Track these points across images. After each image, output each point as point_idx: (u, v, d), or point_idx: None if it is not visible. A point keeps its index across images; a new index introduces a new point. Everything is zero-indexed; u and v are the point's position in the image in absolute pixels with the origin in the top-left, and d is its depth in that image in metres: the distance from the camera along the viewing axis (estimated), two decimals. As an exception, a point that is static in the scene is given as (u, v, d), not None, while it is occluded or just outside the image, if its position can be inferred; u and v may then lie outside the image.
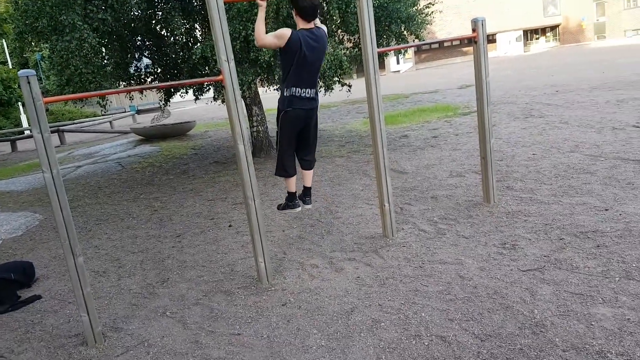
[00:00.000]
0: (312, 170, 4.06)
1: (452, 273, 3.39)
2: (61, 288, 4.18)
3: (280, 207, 4.17)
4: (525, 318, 2.72)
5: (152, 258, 4.59)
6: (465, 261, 3.54)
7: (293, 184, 3.97)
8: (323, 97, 9.63)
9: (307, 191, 4.09)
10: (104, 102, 7.95)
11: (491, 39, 42.02)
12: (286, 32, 3.40)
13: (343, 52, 7.18)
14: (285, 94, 3.59)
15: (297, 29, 3.51)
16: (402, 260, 3.72)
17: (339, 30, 8.01)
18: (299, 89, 3.55)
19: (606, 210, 4.07)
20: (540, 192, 4.77)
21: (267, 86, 9.71)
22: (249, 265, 4.06)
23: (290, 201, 4.04)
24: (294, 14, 3.52)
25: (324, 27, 3.66)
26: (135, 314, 3.48)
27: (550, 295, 2.91)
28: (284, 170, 3.86)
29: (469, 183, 5.48)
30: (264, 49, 6.31)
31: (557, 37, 45.48)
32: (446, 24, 38.59)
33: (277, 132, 3.78)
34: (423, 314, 2.91)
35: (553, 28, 45.39)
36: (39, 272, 4.57)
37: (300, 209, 4.08)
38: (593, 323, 2.58)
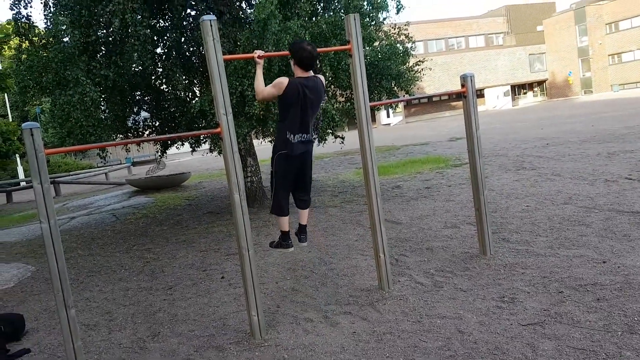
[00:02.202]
0: (307, 210, 4.11)
1: (451, 328, 3.31)
2: (51, 342, 4.04)
3: (273, 245, 4.18)
4: (527, 375, 2.64)
5: (144, 311, 4.47)
6: (464, 315, 3.47)
7: (286, 223, 4.00)
8: (316, 148, 9.78)
9: (302, 229, 4.12)
10: (104, 154, 8.03)
11: (479, 94, 43.40)
12: (283, 80, 3.56)
13: (335, 106, 7.38)
14: (283, 136, 3.69)
15: (295, 76, 3.65)
16: (400, 314, 3.65)
17: (332, 86, 8.26)
18: (296, 134, 3.66)
19: (604, 262, 4.05)
20: (536, 244, 4.75)
21: (262, 138, 9.87)
22: (241, 319, 3.96)
23: (284, 240, 4.06)
24: (292, 64, 3.68)
25: (322, 77, 3.81)
26: (123, 372, 3.34)
27: (553, 351, 2.84)
28: (280, 209, 3.90)
29: (464, 234, 5.46)
30: (256, 104, 6.48)
31: (545, 92, 47.01)
32: (434, 80, 39.99)
33: (271, 172, 3.85)
34: (422, 371, 2.82)
35: (540, 83, 47.03)
36: (29, 325, 4.43)
37: (292, 249, 4.10)
38: (597, 380, 2.51)
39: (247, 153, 8.75)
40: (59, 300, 2.94)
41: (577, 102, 34.32)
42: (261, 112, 6.73)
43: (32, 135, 2.87)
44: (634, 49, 38.76)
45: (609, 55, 40.78)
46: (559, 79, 44.99)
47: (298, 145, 3.69)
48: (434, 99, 43.02)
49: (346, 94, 8.74)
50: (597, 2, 42.08)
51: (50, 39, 6.73)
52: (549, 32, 44.94)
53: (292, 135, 3.65)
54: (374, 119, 40.45)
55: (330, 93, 8.36)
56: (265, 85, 3.65)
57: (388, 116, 42.48)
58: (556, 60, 44.62)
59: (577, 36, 42.33)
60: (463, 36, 45.09)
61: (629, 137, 11.16)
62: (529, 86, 47.05)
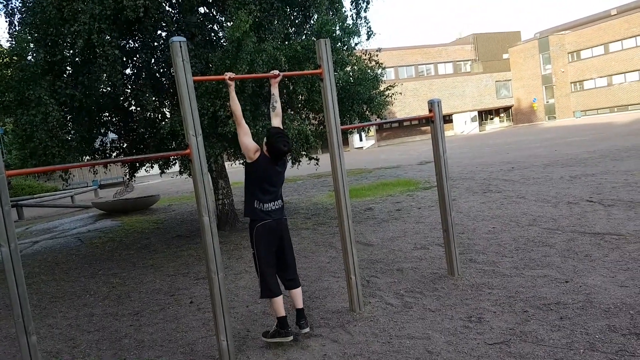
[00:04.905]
0: (300, 289, 3.83)
1: (420, 348, 3.33)
2: (4, 373, 3.86)
3: (268, 335, 3.67)
4: (494, 394, 2.67)
5: (109, 337, 4.33)
6: (432, 335, 3.50)
7: (281, 307, 3.65)
8: (290, 170, 9.79)
9: (300, 313, 3.75)
10: (67, 176, 7.81)
11: (448, 119, 44.47)
12: (257, 153, 3.63)
13: (309, 127, 7.44)
14: (253, 206, 3.66)
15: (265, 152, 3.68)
16: (370, 335, 3.65)
17: (305, 109, 8.35)
18: (266, 204, 3.66)
19: (567, 282, 4.17)
20: (502, 265, 4.86)
21: (234, 160, 9.84)
22: (210, 344, 3.88)
23: (282, 328, 3.61)
24: (265, 148, 3.68)
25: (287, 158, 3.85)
26: (84, 401, 3.21)
27: (518, 369, 2.88)
28: (269, 290, 3.66)
29: (433, 255, 5.54)
30: (231, 122, 6.48)
31: (511, 118, 48.52)
32: (405, 105, 40.86)
33: (253, 253, 3.71)
34: (392, 393, 2.82)
35: (506, 109, 48.56)
36: (-18, 356, 4.23)
37: (292, 337, 3.61)
38: (561, 397, 2.56)
39: (219, 175, 8.69)
40: (19, 327, 2.84)
41: (542, 127, 35.55)
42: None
43: (-8, 156, 2.81)
44: (594, 77, 40.59)
45: (571, 82, 42.56)
46: (524, 105, 46.58)
47: (272, 212, 3.66)
48: (405, 123, 43.84)
49: (319, 117, 8.85)
50: (560, 32, 44.08)
51: (14, 58, 6.61)
52: (514, 60, 46.67)
53: (263, 205, 3.64)
54: (346, 143, 40.88)
55: (303, 115, 8.45)
56: (241, 105, 3.65)
57: (361, 140, 43.02)
58: (521, 87, 46.26)
59: (541, 64, 44.07)
60: (432, 63, 46.34)
61: (590, 162, 11.62)
62: (495, 112, 48.50)
